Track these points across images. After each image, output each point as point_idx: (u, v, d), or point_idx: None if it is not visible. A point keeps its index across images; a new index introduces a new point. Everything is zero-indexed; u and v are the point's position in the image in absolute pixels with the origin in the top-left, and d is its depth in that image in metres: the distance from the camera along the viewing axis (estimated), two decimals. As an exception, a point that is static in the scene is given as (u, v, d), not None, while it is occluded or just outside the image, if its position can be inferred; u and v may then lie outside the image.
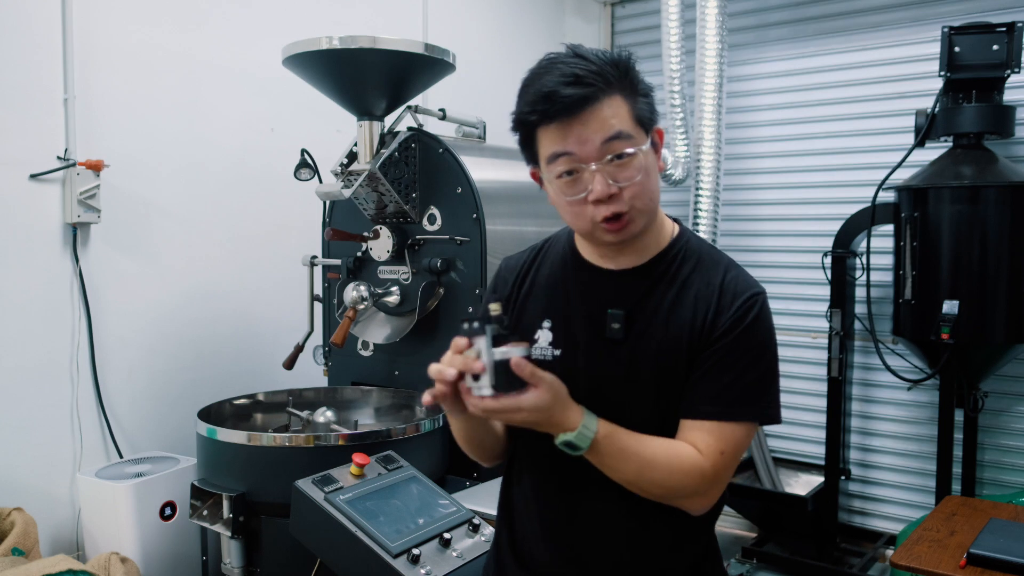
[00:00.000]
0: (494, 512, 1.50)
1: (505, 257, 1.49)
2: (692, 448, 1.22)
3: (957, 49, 3.22)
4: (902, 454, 3.91)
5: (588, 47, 1.24)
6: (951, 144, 3.37)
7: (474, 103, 3.12)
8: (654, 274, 1.31)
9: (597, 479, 1.26)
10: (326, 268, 2.86)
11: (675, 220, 1.40)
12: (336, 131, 3.09)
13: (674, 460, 1.21)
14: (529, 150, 1.28)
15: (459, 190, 2.52)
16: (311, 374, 3.01)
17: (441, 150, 2.56)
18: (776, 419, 1.27)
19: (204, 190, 2.91)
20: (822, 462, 3.84)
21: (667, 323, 1.27)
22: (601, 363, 1.30)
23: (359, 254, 2.72)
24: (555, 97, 1.18)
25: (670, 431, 1.25)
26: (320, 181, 2.77)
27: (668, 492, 1.23)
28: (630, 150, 1.21)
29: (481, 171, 2.54)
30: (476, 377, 1.11)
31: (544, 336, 1.36)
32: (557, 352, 1.34)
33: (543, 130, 1.22)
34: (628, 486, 1.23)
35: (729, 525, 4.23)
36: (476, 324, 1.11)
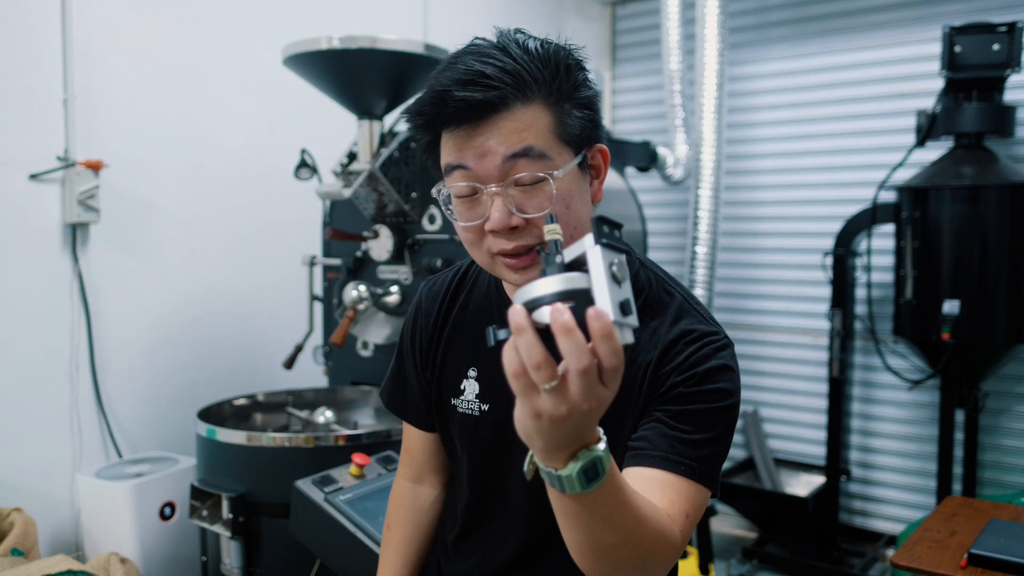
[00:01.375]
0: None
1: (427, 279, 1.29)
2: (661, 511, 0.93)
3: (958, 49, 3.22)
4: (903, 454, 3.91)
5: (525, 35, 1.02)
6: (952, 144, 3.37)
7: (474, 103, 3.12)
8: None
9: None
10: (326, 268, 2.86)
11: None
12: (336, 131, 3.08)
13: (657, 519, 0.89)
14: (431, 155, 1.05)
15: (459, 190, 2.51)
16: (311, 374, 3.01)
17: (441, 150, 2.56)
18: (717, 493, 1.04)
19: (204, 190, 2.91)
20: (822, 462, 3.84)
21: None
22: None
23: (359, 254, 2.72)
24: (447, 98, 0.95)
25: None
26: (320, 181, 2.77)
27: (641, 565, 0.90)
28: (539, 173, 0.96)
29: (481, 171, 2.54)
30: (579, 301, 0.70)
31: (471, 387, 1.17)
32: (485, 407, 1.16)
33: (444, 133, 1.00)
34: (604, 554, 0.86)
35: (729, 525, 4.22)
36: (610, 238, 0.73)
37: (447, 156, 1.00)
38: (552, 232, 0.79)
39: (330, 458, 2.08)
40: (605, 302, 0.68)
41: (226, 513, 2.14)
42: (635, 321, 0.70)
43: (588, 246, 0.72)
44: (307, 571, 2.05)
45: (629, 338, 0.69)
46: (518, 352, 0.68)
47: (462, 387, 1.18)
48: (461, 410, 1.19)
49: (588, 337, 0.67)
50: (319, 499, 1.89)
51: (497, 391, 1.15)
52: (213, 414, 2.43)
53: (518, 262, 1.00)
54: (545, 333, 0.68)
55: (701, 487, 0.99)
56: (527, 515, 1.18)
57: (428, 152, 1.06)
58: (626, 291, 0.70)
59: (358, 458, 2.03)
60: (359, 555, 1.81)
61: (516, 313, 0.69)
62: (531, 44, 1.00)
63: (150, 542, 2.42)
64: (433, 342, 1.23)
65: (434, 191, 1.05)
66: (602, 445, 0.77)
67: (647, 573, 0.91)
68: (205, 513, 2.23)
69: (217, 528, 2.17)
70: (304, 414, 2.56)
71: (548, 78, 0.98)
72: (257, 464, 2.16)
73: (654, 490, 0.96)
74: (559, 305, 0.67)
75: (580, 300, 0.69)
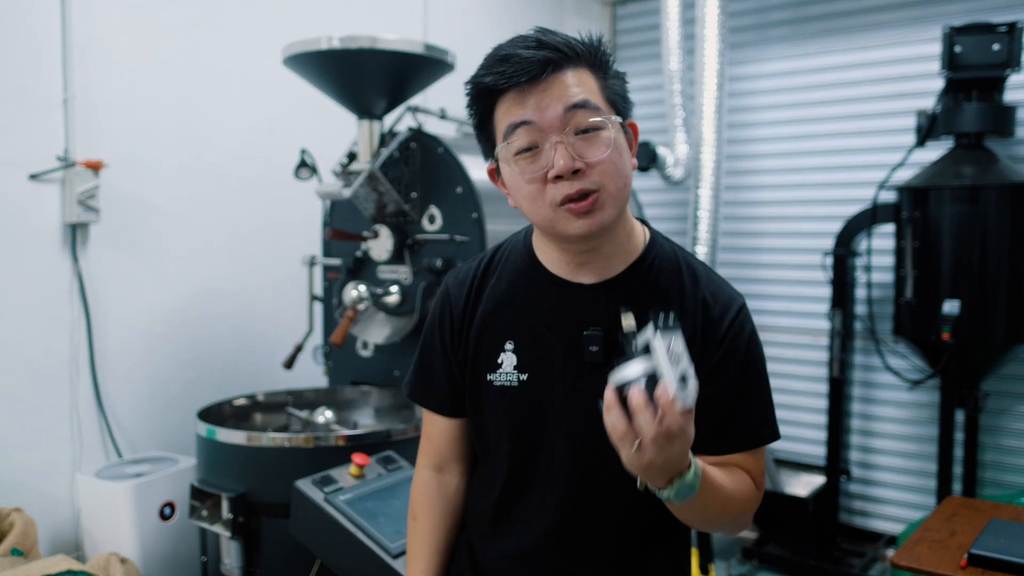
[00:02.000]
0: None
1: (450, 271, 1.36)
2: (746, 474, 1.17)
3: (958, 49, 3.22)
4: (903, 454, 3.91)
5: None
6: (952, 144, 3.37)
7: (474, 103, 3.12)
8: (630, 288, 1.18)
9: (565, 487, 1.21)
10: (326, 268, 2.86)
11: (643, 223, 1.27)
12: (336, 131, 3.08)
13: (743, 490, 1.15)
14: (486, 132, 1.15)
15: (459, 190, 2.51)
16: (311, 374, 3.01)
17: (441, 150, 2.56)
18: (779, 435, 1.23)
19: (204, 190, 2.91)
20: (823, 462, 3.84)
21: None
22: (580, 390, 1.17)
23: (359, 254, 2.72)
24: (513, 58, 1.07)
25: None
26: (320, 181, 2.77)
27: (735, 526, 1.19)
28: (597, 119, 1.08)
29: (481, 171, 2.54)
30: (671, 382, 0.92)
31: (508, 360, 1.23)
32: (524, 376, 1.22)
33: (500, 102, 1.10)
34: (702, 525, 1.17)
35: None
36: (667, 324, 0.94)
37: (509, 116, 1.10)
38: (627, 319, 0.99)
39: (330, 458, 2.08)
40: (670, 379, 0.90)
41: (226, 513, 2.14)
42: (693, 387, 0.91)
43: (650, 335, 0.93)
44: (307, 571, 2.05)
45: (691, 402, 0.91)
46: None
47: (499, 361, 1.23)
48: (499, 384, 1.23)
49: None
50: (319, 499, 1.89)
51: (535, 360, 1.22)
52: (213, 414, 2.43)
53: (580, 206, 1.08)
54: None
55: (770, 439, 1.20)
56: (566, 475, 1.22)
57: (481, 129, 1.16)
58: (683, 366, 0.90)
59: (358, 458, 2.03)
60: (359, 555, 1.82)
61: (608, 393, 0.93)
62: (568, 35, 1.13)
63: (150, 542, 2.42)
64: (464, 323, 1.28)
65: (495, 155, 1.16)
66: (691, 472, 1.00)
67: (741, 524, 1.19)
68: (205, 513, 2.22)
69: (217, 528, 2.17)
70: (304, 414, 2.56)
71: (590, 51, 1.12)
72: (257, 464, 2.16)
73: (736, 466, 1.17)
74: (634, 390, 0.91)
75: (652, 380, 0.91)
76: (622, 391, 0.92)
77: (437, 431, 1.36)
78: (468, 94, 1.14)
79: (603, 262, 1.18)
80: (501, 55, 1.09)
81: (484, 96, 1.12)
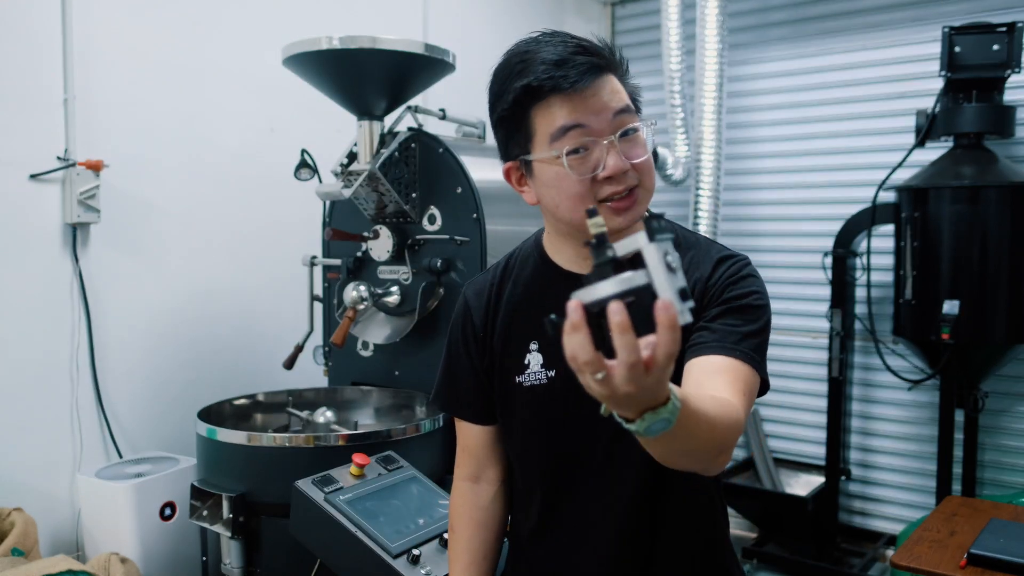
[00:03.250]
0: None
1: (467, 283, 1.39)
2: (730, 400, 1.07)
3: (957, 49, 3.22)
4: (902, 454, 3.91)
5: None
6: (951, 144, 3.37)
7: (474, 103, 3.11)
8: None
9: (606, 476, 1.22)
10: (326, 268, 2.86)
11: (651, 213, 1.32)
12: (336, 131, 3.08)
13: (725, 412, 1.02)
14: (518, 134, 1.17)
15: (459, 190, 2.51)
16: (311, 374, 3.01)
17: (441, 150, 2.56)
18: (768, 386, 1.18)
19: (204, 190, 2.91)
20: (822, 462, 3.84)
21: None
22: None
23: (359, 254, 2.72)
24: (571, 63, 1.11)
25: None
26: (320, 181, 2.77)
27: (720, 451, 1.03)
28: (638, 123, 1.17)
29: (481, 171, 2.54)
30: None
31: (535, 359, 1.27)
32: (551, 373, 1.25)
33: (545, 105, 1.13)
34: (678, 458, 1.00)
35: (729, 526, 4.22)
36: (660, 228, 0.77)
37: (558, 120, 1.12)
38: (596, 225, 0.82)
39: (330, 458, 2.08)
40: (667, 293, 0.73)
41: (226, 513, 2.14)
42: (692, 304, 0.75)
43: (643, 244, 0.75)
44: (307, 571, 2.05)
45: (688, 318, 0.75)
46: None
47: (526, 362, 1.27)
48: (528, 384, 1.26)
49: (654, 326, 0.73)
50: (319, 499, 1.89)
51: (561, 356, 1.21)
52: (213, 414, 2.43)
53: (623, 204, 1.15)
54: (600, 316, 0.74)
55: (754, 371, 1.12)
56: (612, 463, 1.23)
57: (516, 128, 1.17)
58: (681, 279, 0.74)
59: (358, 458, 2.03)
60: (359, 555, 1.82)
61: (574, 311, 0.76)
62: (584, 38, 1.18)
63: (150, 542, 2.42)
64: (487, 330, 1.31)
65: (507, 173, 1.22)
66: (668, 406, 0.83)
67: (726, 448, 1.03)
68: (205, 513, 2.22)
69: (217, 528, 2.17)
70: (304, 414, 2.57)
71: (616, 57, 1.19)
72: (257, 464, 2.16)
73: (716, 376, 1.08)
74: (613, 306, 0.73)
75: (643, 295, 0.74)
76: (591, 311, 0.75)
77: (471, 440, 1.39)
78: (514, 94, 1.14)
79: None
80: (556, 59, 1.11)
81: (531, 97, 1.13)
